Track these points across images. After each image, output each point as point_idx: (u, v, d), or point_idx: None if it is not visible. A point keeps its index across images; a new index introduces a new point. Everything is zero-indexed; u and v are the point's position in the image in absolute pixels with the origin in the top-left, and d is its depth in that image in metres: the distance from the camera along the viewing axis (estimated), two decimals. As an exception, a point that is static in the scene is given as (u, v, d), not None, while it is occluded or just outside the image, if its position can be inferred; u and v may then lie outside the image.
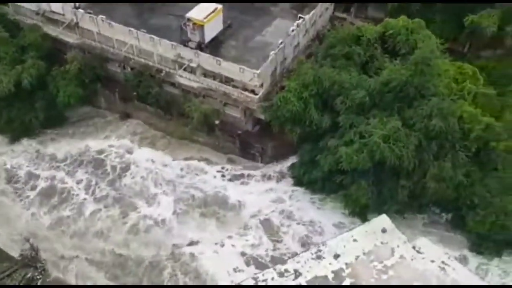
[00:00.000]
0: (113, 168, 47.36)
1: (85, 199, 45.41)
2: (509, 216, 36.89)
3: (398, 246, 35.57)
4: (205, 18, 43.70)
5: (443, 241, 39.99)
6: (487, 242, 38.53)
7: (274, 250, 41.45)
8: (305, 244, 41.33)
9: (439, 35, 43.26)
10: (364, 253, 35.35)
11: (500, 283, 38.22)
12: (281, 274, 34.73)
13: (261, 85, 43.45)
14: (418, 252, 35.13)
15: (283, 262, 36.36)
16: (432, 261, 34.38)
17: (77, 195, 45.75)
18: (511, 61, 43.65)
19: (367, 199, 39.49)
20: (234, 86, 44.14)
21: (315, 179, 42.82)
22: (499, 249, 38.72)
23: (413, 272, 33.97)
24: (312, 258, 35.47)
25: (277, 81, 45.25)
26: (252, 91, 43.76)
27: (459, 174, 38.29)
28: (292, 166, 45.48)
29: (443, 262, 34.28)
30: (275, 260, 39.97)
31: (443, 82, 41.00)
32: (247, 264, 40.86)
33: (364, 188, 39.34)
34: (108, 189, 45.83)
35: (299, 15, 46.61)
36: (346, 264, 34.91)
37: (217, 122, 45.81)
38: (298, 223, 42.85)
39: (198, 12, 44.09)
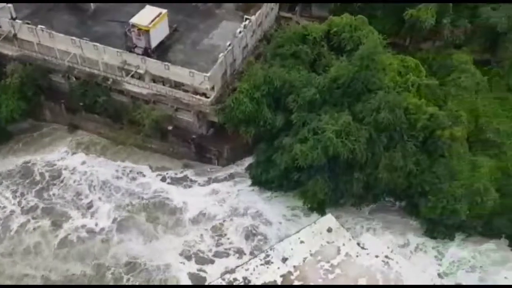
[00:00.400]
0: (44, 177, 45.63)
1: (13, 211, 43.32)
2: (458, 201, 38.63)
3: (343, 244, 36.74)
4: (150, 23, 43.01)
5: (398, 228, 41.49)
6: (440, 226, 40.19)
7: (217, 246, 41.17)
8: (249, 236, 41.29)
9: (381, 31, 44.75)
10: (311, 254, 36.27)
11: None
12: (229, 283, 35.03)
13: (212, 88, 43.31)
14: (362, 248, 36.30)
15: (227, 255, 37.01)
16: (377, 256, 35.65)
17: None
18: (450, 52, 45.77)
19: (324, 194, 40.24)
20: (185, 91, 43.75)
21: (272, 178, 43.17)
22: (451, 233, 40.49)
23: (358, 268, 35.25)
24: (261, 264, 36.09)
25: (228, 83, 45.22)
26: (204, 95, 43.53)
27: (409, 163, 39.75)
28: (249, 167, 45.64)
29: (386, 256, 35.78)
30: (218, 255, 40.13)
31: (388, 76, 42.44)
32: (188, 259, 40.38)
33: (321, 183, 40.06)
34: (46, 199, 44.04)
35: (245, 16, 46.83)
36: (294, 267, 35.81)
37: (170, 127, 45.23)
38: (243, 217, 42.70)
39: (142, 18, 43.32)
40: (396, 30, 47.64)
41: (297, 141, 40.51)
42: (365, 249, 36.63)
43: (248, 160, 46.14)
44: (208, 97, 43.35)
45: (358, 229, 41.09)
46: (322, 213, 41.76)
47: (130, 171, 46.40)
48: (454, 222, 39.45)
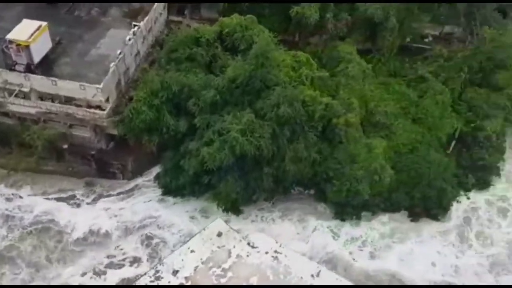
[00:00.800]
0: None
1: None
2: (360, 182, 41.10)
3: (234, 247, 37.48)
4: (29, 37, 39.92)
5: (311, 215, 43.20)
6: (347, 208, 42.52)
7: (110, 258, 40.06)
8: (146, 243, 40.70)
9: (271, 29, 46.06)
10: (202, 262, 36.47)
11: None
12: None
13: (107, 100, 41.38)
14: (253, 247, 37.27)
15: (121, 266, 36.94)
16: (266, 253, 36.89)
17: None
18: (335, 44, 48.53)
19: (236, 193, 40.50)
20: (77, 105, 41.30)
21: (183, 185, 42.46)
22: (358, 213, 42.99)
23: (249, 268, 36.24)
24: (151, 281, 35.47)
25: (124, 93, 43.52)
26: (99, 107, 41.41)
27: (312, 152, 41.48)
28: (157, 176, 44.38)
29: (275, 251, 37.13)
30: (111, 266, 39.33)
31: (283, 71, 43.85)
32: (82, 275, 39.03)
33: (232, 183, 40.27)
34: None
35: (133, 23, 45.39)
36: (186, 278, 35.87)
37: (65, 146, 42.51)
38: (141, 227, 41.75)
39: (20, 32, 40.11)
40: (284, 28, 49.34)
41: (203, 145, 40.27)
42: (255, 247, 37.45)
43: (156, 170, 44.87)
44: (103, 110, 41.30)
45: (264, 223, 42.12)
46: (237, 212, 42.09)
47: (12, 195, 42.83)
48: (358, 202, 41.91)
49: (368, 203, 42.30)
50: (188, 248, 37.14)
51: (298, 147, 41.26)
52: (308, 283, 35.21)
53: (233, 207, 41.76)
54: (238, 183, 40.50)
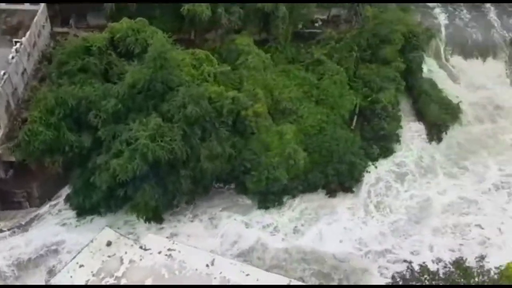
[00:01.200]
0: None
1: None
2: (276, 168, 41.95)
3: (126, 253, 36.95)
4: None
5: (229, 210, 43.29)
6: (269, 196, 43.15)
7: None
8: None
9: (164, 29, 45.06)
10: (93, 274, 35.48)
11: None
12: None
13: (-2, 125, 38.00)
14: (145, 249, 37.08)
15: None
16: (159, 253, 36.89)
17: None
18: (232, 37, 48.79)
19: (156, 201, 39.25)
20: (-37, 136, 37.40)
21: (97, 202, 40.26)
22: (279, 198, 43.80)
23: (143, 271, 35.97)
24: None
25: (15, 116, 40.32)
26: (-11, 135, 37.88)
27: (226, 148, 41.42)
28: (68, 198, 41.55)
29: (169, 249, 37.11)
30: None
31: (184, 71, 43.22)
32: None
33: (149, 191, 38.91)
34: None
35: (14, 39, 42.03)
36: None
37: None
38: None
39: None
40: (178, 27, 48.54)
41: (112, 157, 38.48)
42: (148, 249, 37.19)
43: (66, 191, 42.02)
44: (-5, 137, 37.88)
45: (181, 225, 41.49)
46: (159, 221, 40.92)
47: None
48: (279, 188, 42.76)
49: (287, 187, 43.30)
50: (77, 263, 35.65)
51: (211, 144, 40.95)
52: (204, 273, 35.64)
53: (155, 216, 40.45)
54: (155, 191, 39.21)
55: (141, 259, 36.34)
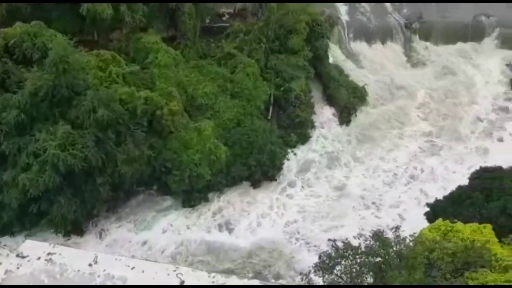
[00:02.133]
0: None
1: None
2: (199, 165, 41.36)
3: (1, 263, 35.26)
4: None
5: (161, 211, 42.28)
6: (193, 194, 42.49)
7: None
8: None
9: (64, 31, 42.42)
10: None
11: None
12: None
13: None
14: (23, 257, 35.51)
15: None
16: (38, 259, 35.48)
17: None
18: (139, 36, 47.12)
19: (74, 213, 37.03)
20: None
21: (9, 222, 37.09)
22: (205, 195, 43.33)
23: (21, 279, 34.31)
24: None
25: None
26: None
27: (144, 149, 40.00)
28: (-27, 222, 37.78)
29: (48, 253, 35.64)
30: None
31: (90, 74, 41.09)
32: None
33: (66, 204, 36.66)
34: None
35: None
36: None
37: None
38: None
39: None
40: (79, 28, 45.72)
41: (20, 172, 35.77)
42: (26, 257, 35.48)
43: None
44: None
45: (110, 235, 40.01)
46: (80, 233, 38.75)
47: None
48: (203, 185, 42.19)
49: (211, 183, 42.89)
50: None
51: (128, 148, 39.27)
52: (87, 273, 34.42)
53: (75, 228, 38.16)
54: (72, 202, 36.94)
55: (18, 268, 34.38)
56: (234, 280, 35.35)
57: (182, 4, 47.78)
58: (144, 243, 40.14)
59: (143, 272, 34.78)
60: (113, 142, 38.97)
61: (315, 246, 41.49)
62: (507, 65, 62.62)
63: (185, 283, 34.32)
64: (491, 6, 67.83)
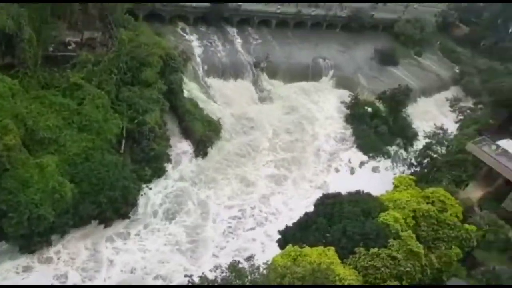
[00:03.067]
0: None
1: None
2: (40, 206, 37.44)
3: None
4: None
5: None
6: (33, 238, 38.11)
7: None
8: None
9: None
10: None
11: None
12: None
13: None
14: None
15: None
16: None
17: None
18: None
19: None
20: None
21: None
22: (47, 239, 39.17)
23: None
24: None
25: None
26: None
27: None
28: None
29: None
30: None
31: None
32: None
33: None
34: None
35: None
36: None
37: None
38: None
39: None
40: None
41: None
42: None
43: None
44: None
45: None
46: None
47: None
48: (45, 227, 38.16)
49: (55, 224, 39.04)
50: None
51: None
52: None
53: None
54: None
55: None
56: None
57: (21, 30, 43.76)
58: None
59: None
60: None
61: (166, 280, 40.56)
62: (341, 102, 70.08)
63: None
64: (327, 50, 76.70)
